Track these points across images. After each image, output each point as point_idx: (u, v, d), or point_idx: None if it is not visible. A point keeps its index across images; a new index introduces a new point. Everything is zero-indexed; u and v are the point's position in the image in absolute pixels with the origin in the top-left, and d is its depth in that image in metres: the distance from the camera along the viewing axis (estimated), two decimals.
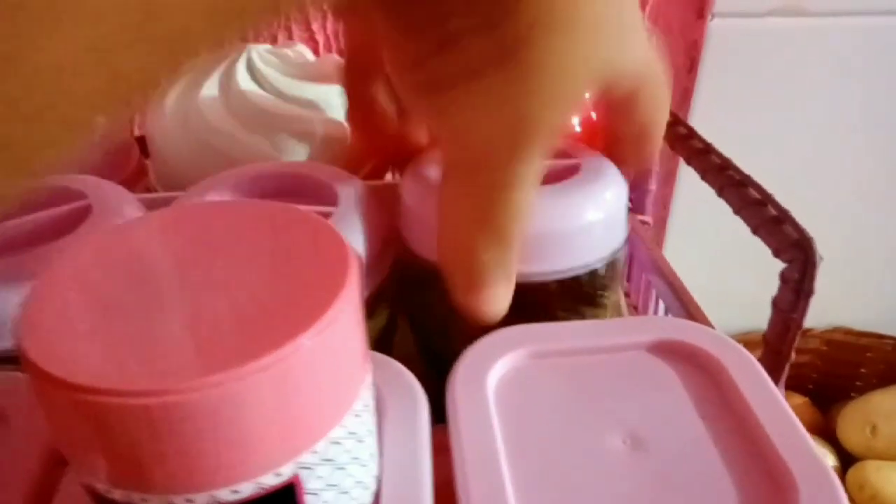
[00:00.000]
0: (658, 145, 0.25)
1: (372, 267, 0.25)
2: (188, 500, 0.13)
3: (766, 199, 0.25)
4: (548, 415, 0.20)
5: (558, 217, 0.23)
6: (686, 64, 0.56)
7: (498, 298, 0.21)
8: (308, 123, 0.33)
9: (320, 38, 0.51)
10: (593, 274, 0.24)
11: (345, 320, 0.14)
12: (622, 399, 0.21)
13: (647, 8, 0.53)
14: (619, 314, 0.28)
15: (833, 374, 0.78)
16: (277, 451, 0.14)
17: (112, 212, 0.26)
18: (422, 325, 0.28)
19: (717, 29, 0.53)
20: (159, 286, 0.15)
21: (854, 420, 0.70)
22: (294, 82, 0.34)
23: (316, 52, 0.49)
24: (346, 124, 0.35)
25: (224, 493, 0.14)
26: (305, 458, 0.14)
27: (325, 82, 0.35)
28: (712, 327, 0.24)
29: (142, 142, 0.40)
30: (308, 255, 0.15)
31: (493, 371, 0.21)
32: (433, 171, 0.25)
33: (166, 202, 0.28)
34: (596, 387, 0.21)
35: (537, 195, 0.21)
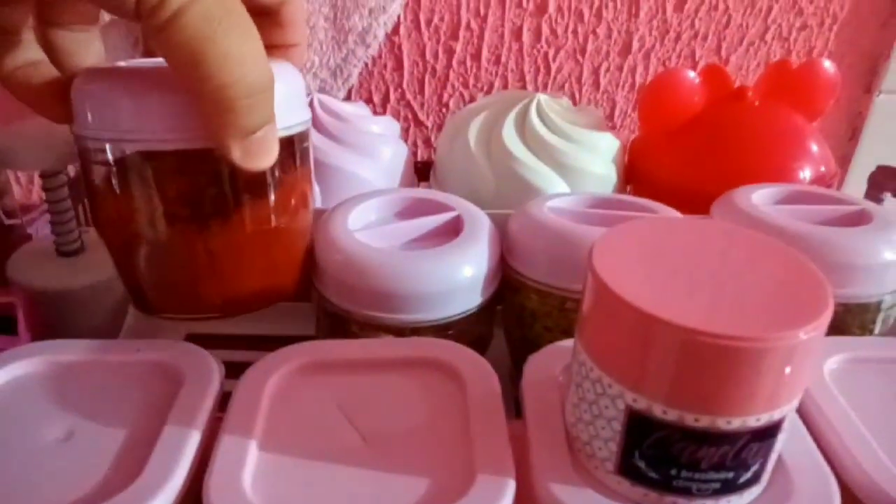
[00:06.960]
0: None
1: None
2: (727, 422, 0.19)
3: None
4: (879, 404, 0.25)
5: (859, 252, 0.29)
6: (847, 133, 0.61)
7: None
8: (578, 159, 0.40)
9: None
10: (880, 303, 0.30)
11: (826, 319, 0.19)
12: None
13: None
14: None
15: None
16: (788, 395, 0.19)
17: (476, 221, 0.32)
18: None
19: (882, 104, 0.59)
20: (693, 261, 0.21)
21: None
22: (568, 125, 0.41)
23: None
24: (612, 163, 0.41)
25: (750, 420, 0.19)
26: (793, 404, 0.20)
27: (589, 128, 0.41)
28: None
29: (423, 168, 0.47)
30: (788, 273, 0.21)
31: (825, 366, 0.26)
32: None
33: None
34: None
35: (847, 234, 0.26)
